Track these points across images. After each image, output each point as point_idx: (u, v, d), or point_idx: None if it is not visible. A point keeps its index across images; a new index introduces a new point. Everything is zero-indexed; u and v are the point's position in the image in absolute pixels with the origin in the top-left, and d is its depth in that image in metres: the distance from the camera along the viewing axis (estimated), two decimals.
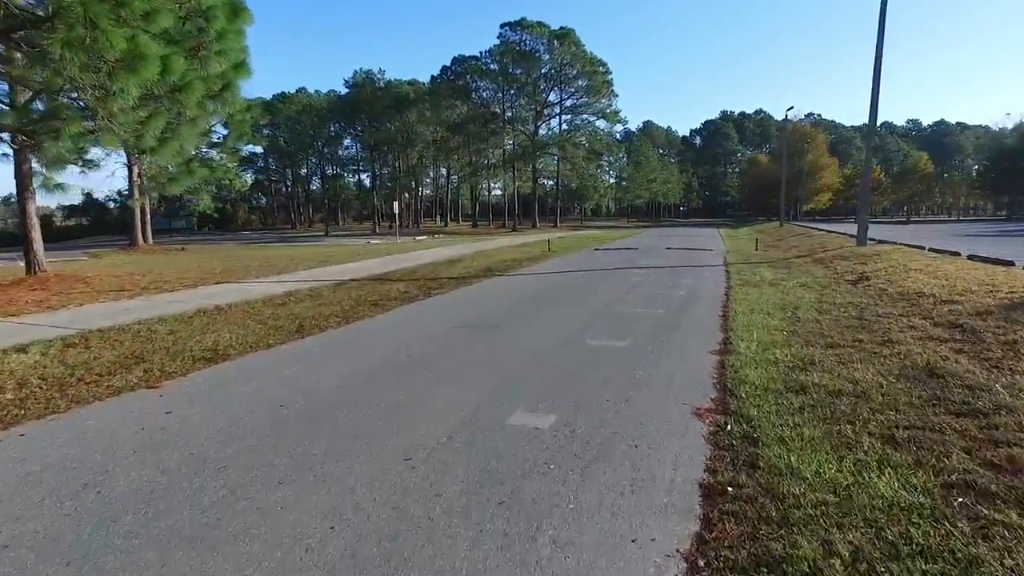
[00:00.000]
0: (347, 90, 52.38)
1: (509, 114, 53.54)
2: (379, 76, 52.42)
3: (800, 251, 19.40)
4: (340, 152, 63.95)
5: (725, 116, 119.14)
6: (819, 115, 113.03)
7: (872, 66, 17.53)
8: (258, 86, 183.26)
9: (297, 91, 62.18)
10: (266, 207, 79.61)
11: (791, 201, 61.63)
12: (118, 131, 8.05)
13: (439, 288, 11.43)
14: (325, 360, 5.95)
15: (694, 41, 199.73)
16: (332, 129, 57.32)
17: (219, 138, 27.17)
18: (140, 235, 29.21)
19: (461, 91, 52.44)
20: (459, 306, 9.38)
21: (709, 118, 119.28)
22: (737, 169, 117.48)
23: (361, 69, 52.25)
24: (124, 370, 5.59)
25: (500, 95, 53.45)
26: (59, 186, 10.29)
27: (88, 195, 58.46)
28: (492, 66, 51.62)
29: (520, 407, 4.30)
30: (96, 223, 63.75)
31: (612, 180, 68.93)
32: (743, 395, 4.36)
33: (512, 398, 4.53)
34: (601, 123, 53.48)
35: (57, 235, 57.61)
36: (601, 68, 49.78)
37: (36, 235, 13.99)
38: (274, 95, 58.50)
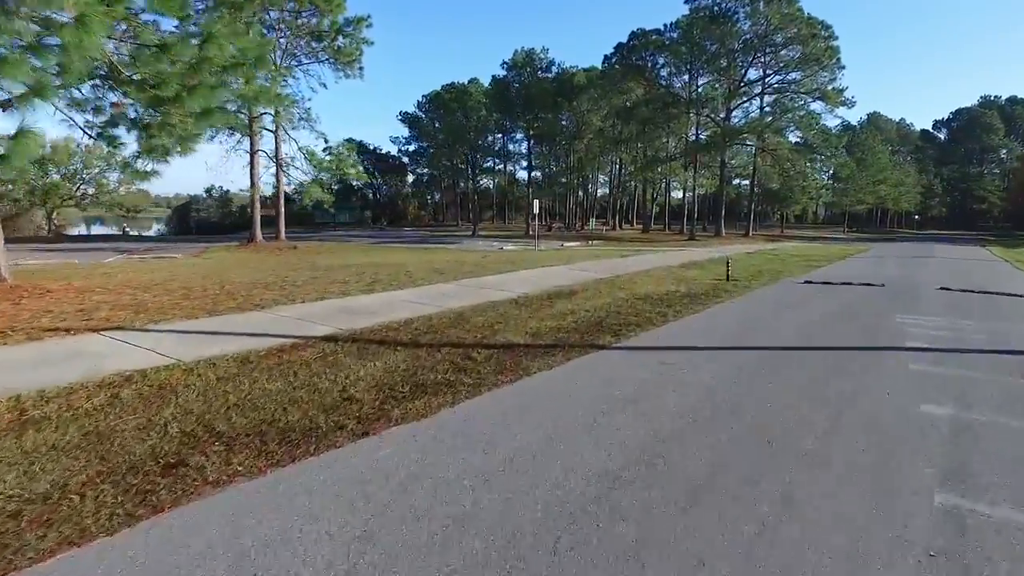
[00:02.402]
0: (504, 73, 47.47)
1: (693, 95, 44.20)
2: (542, 56, 46.66)
3: None
4: (496, 145, 60.05)
5: (986, 103, 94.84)
6: None
7: None
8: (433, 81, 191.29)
9: (469, 82, 59.55)
10: (437, 203, 79.61)
11: None
12: None
13: (435, 395, 5.09)
14: None
15: (941, 6, 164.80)
16: (485, 119, 53.01)
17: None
18: (258, 230, 27.12)
19: (635, 70, 44.47)
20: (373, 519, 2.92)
21: (962, 106, 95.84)
22: (996, 170, 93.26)
23: (522, 48, 46.77)
24: None
25: (684, 73, 44.42)
26: None
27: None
28: (676, 39, 42.96)
29: None
30: (290, 213, 68.19)
31: (826, 179, 55.36)
32: None
33: None
34: (817, 106, 41.76)
35: (247, 224, 62.53)
36: (822, 32, 38.39)
37: None
38: (443, 86, 56.37)
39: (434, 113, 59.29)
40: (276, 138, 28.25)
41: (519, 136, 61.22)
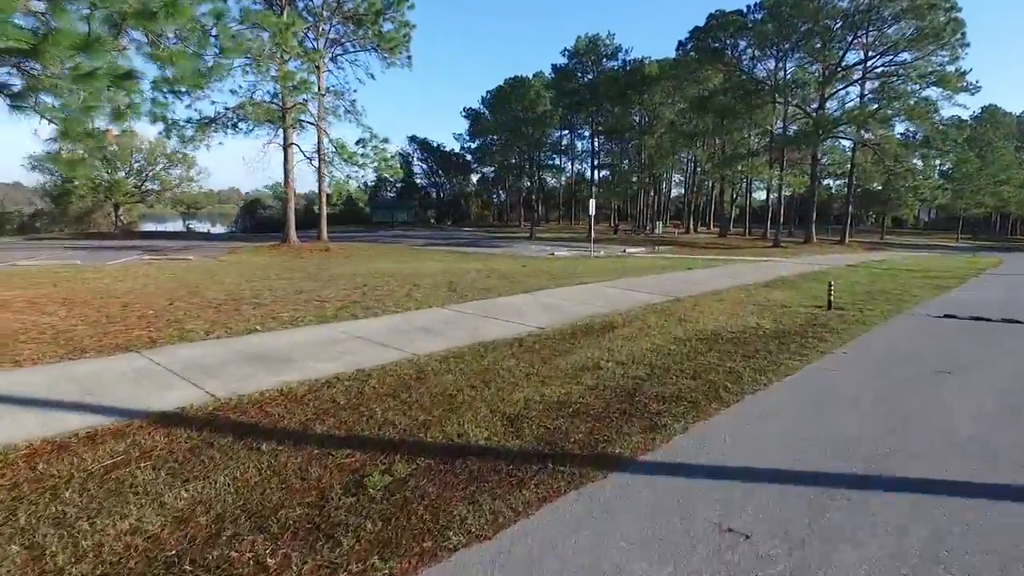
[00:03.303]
0: (565, 62, 43.96)
1: (780, 82, 38.92)
2: (607, 43, 42.86)
3: None
4: (562, 141, 56.63)
5: None
6: None
7: None
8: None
9: (534, 76, 56.66)
10: (502, 203, 77.38)
11: None
12: None
13: None
14: None
15: None
16: (551, 114, 49.70)
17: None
18: (292, 231, 25.33)
19: (714, 55, 39.84)
20: None
21: None
22: None
23: (585, 34, 42.96)
24: None
25: (770, 58, 39.31)
26: None
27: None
28: (761, 19, 38.10)
29: None
30: (348, 212, 67.97)
31: (938, 178, 48.22)
32: None
33: None
34: (932, 92, 35.63)
35: (310, 223, 62.52)
36: (942, 2, 32.50)
37: None
38: (505, 79, 53.79)
39: (497, 108, 56.89)
40: (319, 131, 26.55)
41: (587, 133, 57.75)
